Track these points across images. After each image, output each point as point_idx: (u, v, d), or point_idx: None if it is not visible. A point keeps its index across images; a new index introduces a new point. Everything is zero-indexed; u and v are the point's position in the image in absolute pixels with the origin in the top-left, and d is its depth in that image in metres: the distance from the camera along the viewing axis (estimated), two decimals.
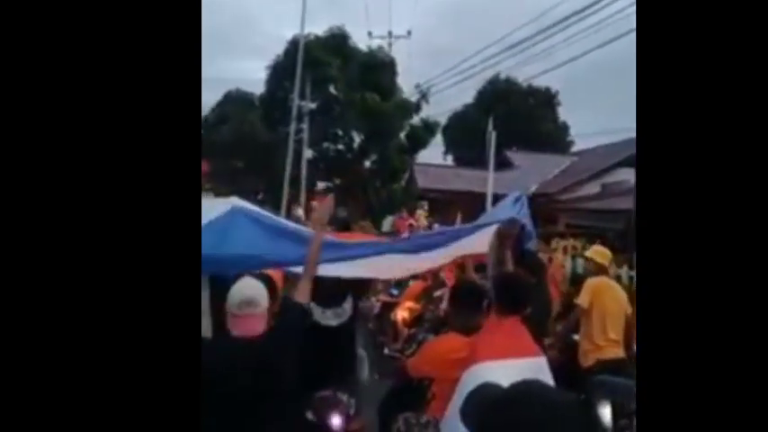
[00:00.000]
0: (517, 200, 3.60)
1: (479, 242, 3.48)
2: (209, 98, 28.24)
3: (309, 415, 3.67)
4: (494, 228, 3.42)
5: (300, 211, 9.99)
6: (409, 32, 25.70)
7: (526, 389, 1.27)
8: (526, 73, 35.46)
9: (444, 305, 5.33)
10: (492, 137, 9.72)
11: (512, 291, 2.98)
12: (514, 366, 2.73)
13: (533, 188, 16.10)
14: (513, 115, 25.98)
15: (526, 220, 3.58)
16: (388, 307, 7.35)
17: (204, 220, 2.70)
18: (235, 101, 25.73)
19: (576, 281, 6.31)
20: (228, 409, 2.65)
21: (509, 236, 3.36)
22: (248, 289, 2.73)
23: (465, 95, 29.56)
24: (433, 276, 6.51)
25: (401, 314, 6.78)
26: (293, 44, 20.24)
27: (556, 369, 3.03)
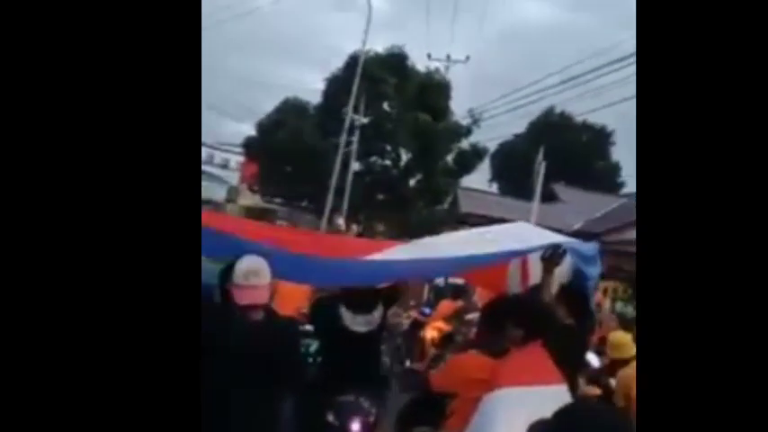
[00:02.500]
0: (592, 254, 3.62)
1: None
2: (269, 103, 28.90)
3: (330, 417, 3.73)
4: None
5: (341, 221, 10.13)
6: (468, 57, 25.84)
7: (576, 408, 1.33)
8: (580, 108, 34.95)
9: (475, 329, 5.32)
10: (541, 167, 9.67)
11: (529, 315, 3.00)
12: (534, 393, 2.75)
13: (577, 225, 15.89)
14: (565, 150, 25.73)
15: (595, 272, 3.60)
16: (418, 325, 7.37)
17: None
18: (292, 108, 26.30)
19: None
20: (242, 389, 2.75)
21: (554, 262, 3.39)
22: (252, 262, 2.84)
23: (516, 125, 29.49)
24: (467, 297, 6.52)
25: (430, 333, 6.79)
26: (353, 59, 20.61)
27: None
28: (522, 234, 3.64)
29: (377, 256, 3.20)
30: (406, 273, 3.73)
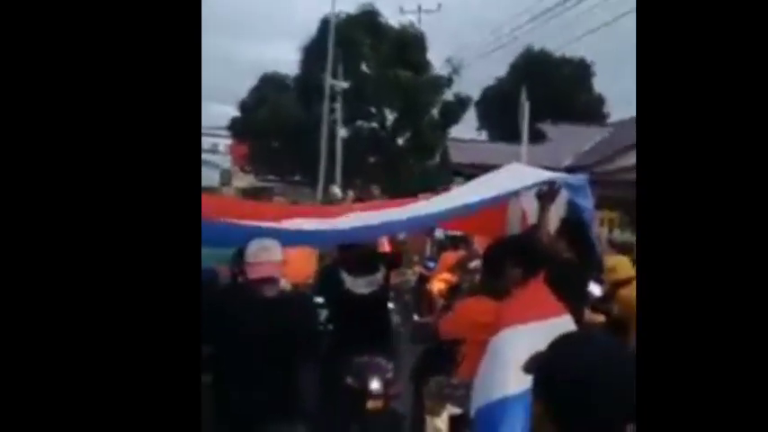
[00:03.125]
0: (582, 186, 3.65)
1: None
2: (248, 83, 28.58)
3: (349, 380, 3.83)
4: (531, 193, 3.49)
5: (337, 189, 10.16)
6: (439, 6, 25.50)
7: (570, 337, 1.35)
8: (559, 42, 34.46)
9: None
10: (525, 108, 9.59)
11: (525, 254, 3.05)
12: (539, 328, 2.83)
13: (568, 161, 15.92)
14: (547, 87, 25.56)
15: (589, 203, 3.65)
16: (424, 279, 7.47)
17: None
18: (271, 83, 26.06)
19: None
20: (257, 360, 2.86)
21: (549, 198, 3.41)
22: (262, 240, 2.98)
23: (498, 69, 29.16)
24: (468, 246, 6.59)
25: (436, 285, 6.86)
26: (325, 23, 20.30)
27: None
28: (514, 175, 3.68)
29: (372, 217, 3.28)
30: (401, 228, 3.81)
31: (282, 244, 3.05)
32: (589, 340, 1.36)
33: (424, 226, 5.51)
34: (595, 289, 4.66)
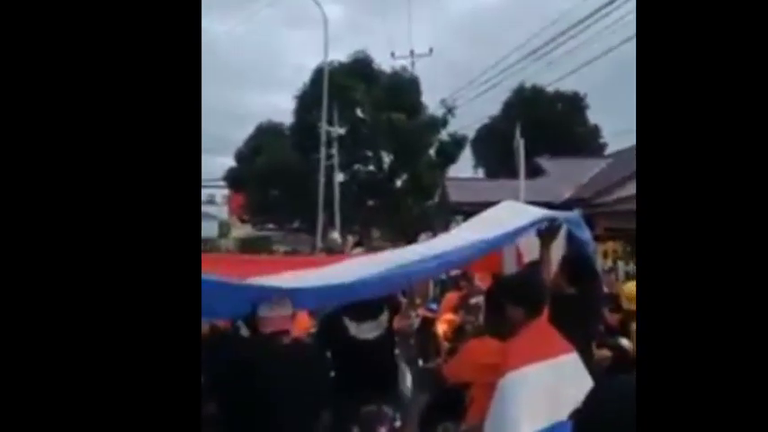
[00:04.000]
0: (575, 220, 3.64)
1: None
2: (244, 133, 29.02)
3: (356, 430, 3.74)
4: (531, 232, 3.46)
5: (336, 235, 10.13)
6: (431, 50, 25.96)
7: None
8: (550, 79, 35.03)
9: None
10: (520, 145, 9.69)
11: (527, 293, 2.99)
12: (547, 368, 2.78)
13: (567, 194, 15.95)
14: (542, 122, 25.85)
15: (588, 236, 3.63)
16: (429, 322, 7.37)
17: None
18: (267, 132, 26.33)
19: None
20: (267, 411, 2.88)
21: (551, 235, 3.38)
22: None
23: (492, 107, 29.54)
24: (469, 284, 6.52)
25: (441, 327, 6.77)
26: (318, 72, 20.66)
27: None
28: (511, 213, 3.66)
29: (371, 269, 3.23)
30: (399, 283, 3.75)
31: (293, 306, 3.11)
32: (621, 389, 1.28)
33: (433, 274, 5.47)
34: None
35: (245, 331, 3.51)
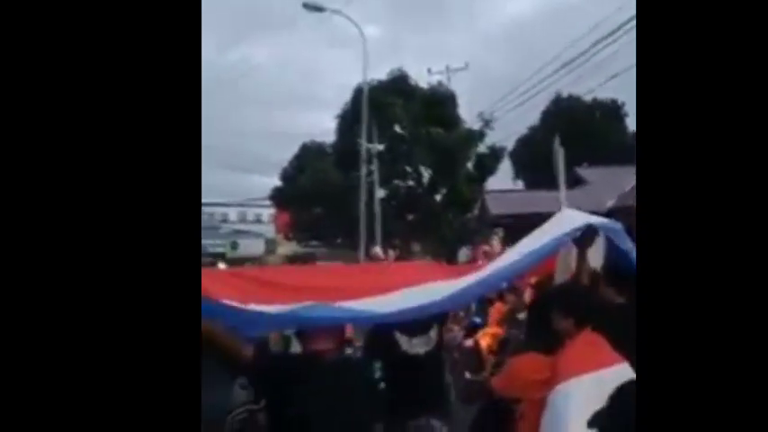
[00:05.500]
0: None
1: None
2: (288, 153, 29.69)
3: None
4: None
5: (378, 249, 10.21)
6: (467, 64, 26.04)
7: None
8: (587, 87, 34.59)
9: None
10: (560, 154, 9.58)
11: (573, 304, 2.98)
12: (597, 379, 2.75)
13: (610, 203, 15.71)
14: (581, 131, 25.53)
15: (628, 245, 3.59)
16: (472, 336, 7.34)
17: None
18: (310, 152, 26.91)
19: None
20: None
21: (586, 243, 3.33)
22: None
23: (530, 118, 29.33)
24: (516, 298, 6.47)
25: (485, 341, 6.72)
26: (359, 91, 20.93)
27: None
28: (562, 221, 3.62)
29: (426, 289, 3.27)
30: (459, 301, 3.73)
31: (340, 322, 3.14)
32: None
33: (492, 288, 5.38)
34: None
35: (296, 344, 3.59)
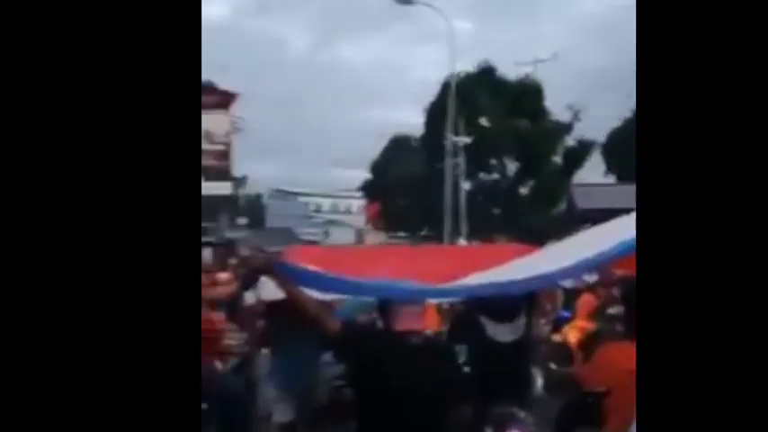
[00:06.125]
0: None
1: None
2: (378, 147, 30.59)
3: (488, 430, 3.77)
4: None
5: (463, 241, 10.23)
6: (556, 54, 25.36)
7: None
8: None
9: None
10: None
11: None
12: None
13: None
14: None
15: None
16: (560, 329, 7.22)
17: None
18: (398, 145, 27.38)
19: None
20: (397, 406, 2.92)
21: None
22: None
23: (623, 110, 28.21)
24: (606, 291, 6.31)
25: (573, 335, 6.60)
26: (446, 85, 20.92)
27: None
28: None
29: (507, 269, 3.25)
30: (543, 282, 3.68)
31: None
32: None
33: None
34: None
35: (380, 323, 3.66)
